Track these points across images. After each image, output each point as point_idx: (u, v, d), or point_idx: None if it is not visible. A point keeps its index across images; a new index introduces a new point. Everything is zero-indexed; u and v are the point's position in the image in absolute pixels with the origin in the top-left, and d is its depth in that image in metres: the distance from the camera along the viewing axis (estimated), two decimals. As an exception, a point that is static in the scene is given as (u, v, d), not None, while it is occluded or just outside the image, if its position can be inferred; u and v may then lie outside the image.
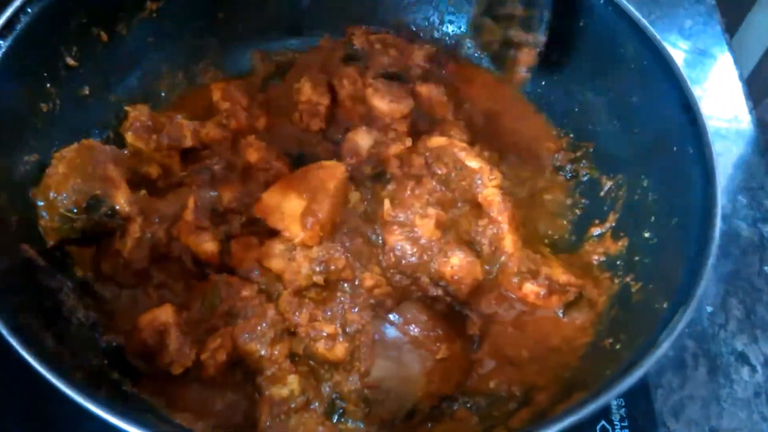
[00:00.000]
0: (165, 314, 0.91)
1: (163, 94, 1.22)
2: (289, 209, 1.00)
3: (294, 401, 0.89)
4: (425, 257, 1.00)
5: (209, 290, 0.96)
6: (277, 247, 0.97)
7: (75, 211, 0.94)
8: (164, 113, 1.12)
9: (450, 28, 1.33)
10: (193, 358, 0.90)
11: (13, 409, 0.97)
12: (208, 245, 0.97)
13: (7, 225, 0.91)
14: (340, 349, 0.91)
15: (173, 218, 0.99)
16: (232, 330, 0.90)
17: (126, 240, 0.96)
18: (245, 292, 0.94)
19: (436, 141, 1.12)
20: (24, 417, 0.97)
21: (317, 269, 0.96)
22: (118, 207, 0.96)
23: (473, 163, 1.09)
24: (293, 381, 0.89)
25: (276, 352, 0.90)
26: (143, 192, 1.01)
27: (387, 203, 1.03)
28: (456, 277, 0.99)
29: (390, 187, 1.08)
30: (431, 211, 1.01)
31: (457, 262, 0.99)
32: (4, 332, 0.75)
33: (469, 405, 0.94)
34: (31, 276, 0.90)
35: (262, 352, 0.89)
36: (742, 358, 1.12)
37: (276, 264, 0.96)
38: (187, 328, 0.92)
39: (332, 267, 0.97)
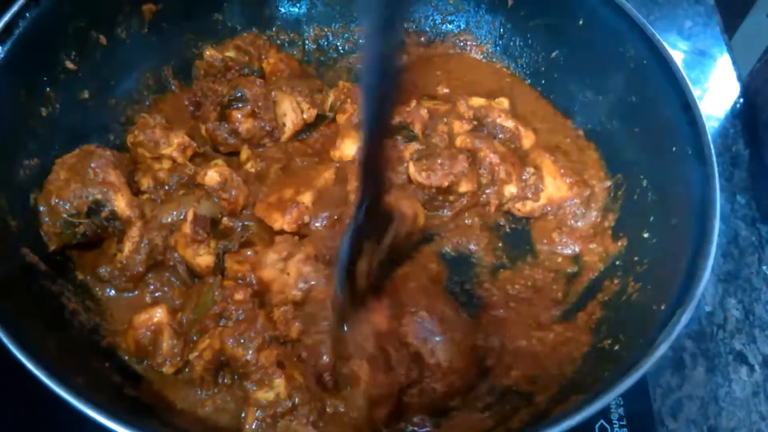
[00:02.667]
0: (159, 315, 0.92)
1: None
2: (275, 201, 1.02)
3: (280, 405, 0.87)
4: None
5: (204, 291, 0.96)
6: (271, 257, 0.96)
7: (77, 215, 0.95)
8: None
9: (450, 28, 1.33)
10: (185, 359, 0.91)
11: (13, 410, 0.97)
12: (203, 259, 0.98)
13: (7, 229, 0.92)
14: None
15: (172, 226, 0.99)
16: (221, 331, 0.90)
17: (124, 244, 0.97)
18: (238, 296, 0.93)
19: (477, 101, 1.16)
20: (24, 418, 0.97)
21: (300, 285, 0.95)
22: (118, 211, 0.97)
23: (509, 123, 1.14)
24: (279, 385, 0.88)
25: (263, 359, 0.88)
26: (145, 196, 1.02)
27: None
28: None
29: None
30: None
31: None
32: (5, 339, 0.75)
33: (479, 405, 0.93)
34: (32, 280, 0.91)
35: (248, 357, 0.88)
36: (741, 358, 1.12)
37: (267, 274, 0.96)
38: (180, 330, 0.92)
39: (313, 291, 0.95)
